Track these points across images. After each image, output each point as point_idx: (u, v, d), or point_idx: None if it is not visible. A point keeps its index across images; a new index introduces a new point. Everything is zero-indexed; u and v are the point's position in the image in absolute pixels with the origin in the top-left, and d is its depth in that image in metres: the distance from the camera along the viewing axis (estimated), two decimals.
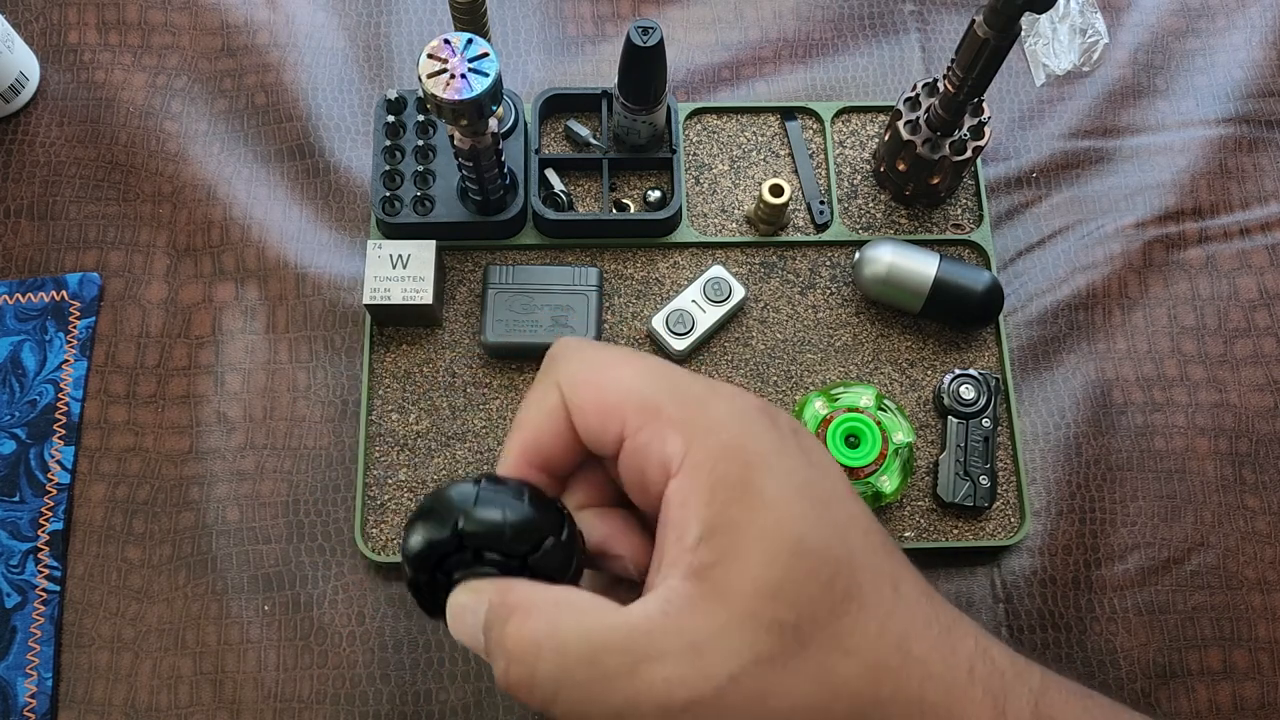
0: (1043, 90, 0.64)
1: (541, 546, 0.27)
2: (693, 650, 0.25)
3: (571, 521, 0.29)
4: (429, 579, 0.28)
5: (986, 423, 0.54)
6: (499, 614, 0.26)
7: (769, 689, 0.25)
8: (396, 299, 0.53)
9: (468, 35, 0.45)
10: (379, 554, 0.52)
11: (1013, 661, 0.28)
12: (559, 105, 0.60)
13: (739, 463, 0.26)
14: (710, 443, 0.27)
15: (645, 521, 0.31)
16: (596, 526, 0.30)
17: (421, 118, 0.57)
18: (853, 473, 0.51)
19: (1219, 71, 0.65)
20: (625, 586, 0.30)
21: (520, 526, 0.27)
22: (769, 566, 0.25)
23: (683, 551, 0.26)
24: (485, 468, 0.54)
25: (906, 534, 0.54)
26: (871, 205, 0.60)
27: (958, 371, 0.55)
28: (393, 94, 0.57)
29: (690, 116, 0.61)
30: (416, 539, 0.28)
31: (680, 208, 0.58)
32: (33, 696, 0.50)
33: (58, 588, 0.52)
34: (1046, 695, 0.28)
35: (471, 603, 0.27)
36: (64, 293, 0.56)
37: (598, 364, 0.29)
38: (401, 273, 0.54)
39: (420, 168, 0.57)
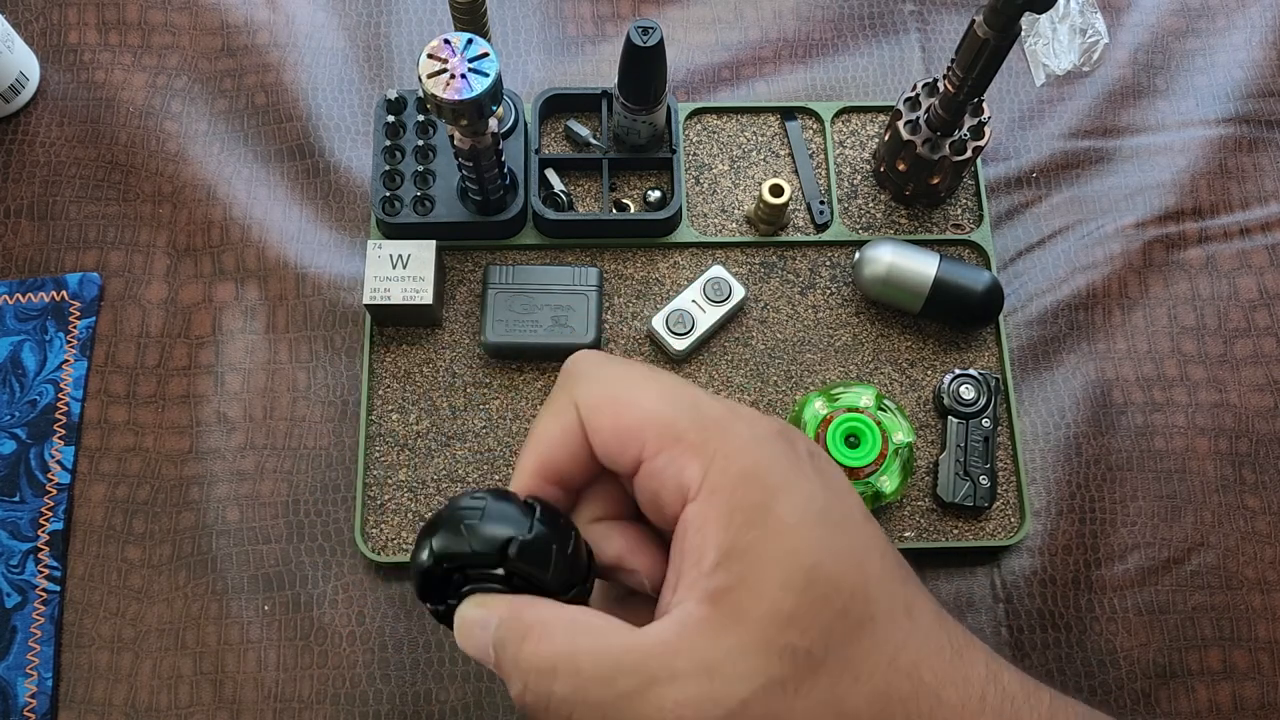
0: (1043, 90, 0.64)
1: (550, 564, 0.28)
2: (706, 673, 0.25)
3: (579, 539, 0.29)
4: (439, 591, 0.28)
5: (986, 423, 0.54)
6: (513, 631, 0.26)
7: (780, 713, 0.25)
8: (396, 299, 0.53)
9: (468, 35, 0.45)
10: (379, 554, 0.52)
11: (1022, 685, 0.28)
12: (559, 105, 0.60)
13: (757, 488, 0.26)
14: (728, 468, 0.27)
15: (661, 535, 0.31)
16: (612, 540, 0.30)
17: (421, 118, 0.57)
18: (853, 473, 0.51)
19: (1219, 71, 0.65)
20: (639, 600, 0.30)
21: (526, 544, 0.27)
22: (784, 592, 0.25)
23: (699, 576, 0.26)
24: (485, 468, 0.54)
25: (906, 534, 0.54)
26: (871, 205, 0.60)
27: (958, 371, 0.55)
28: (393, 94, 0.57)
29: (690, 116, 0.61)
30: (423, 553, 0.28)
31: (680, 208, 0.58)
32: (33, 696, 0.50)
33: (58, 588, 0.52)
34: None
35: (480, 617, 0.27)
36: (64, 293, 0.56)
37: (617, 385, 0.29)
38: (401, 273, 0.54)
39: (420, 168, 0.57)
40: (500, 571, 0.27)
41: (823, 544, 0.26)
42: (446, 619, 0.29)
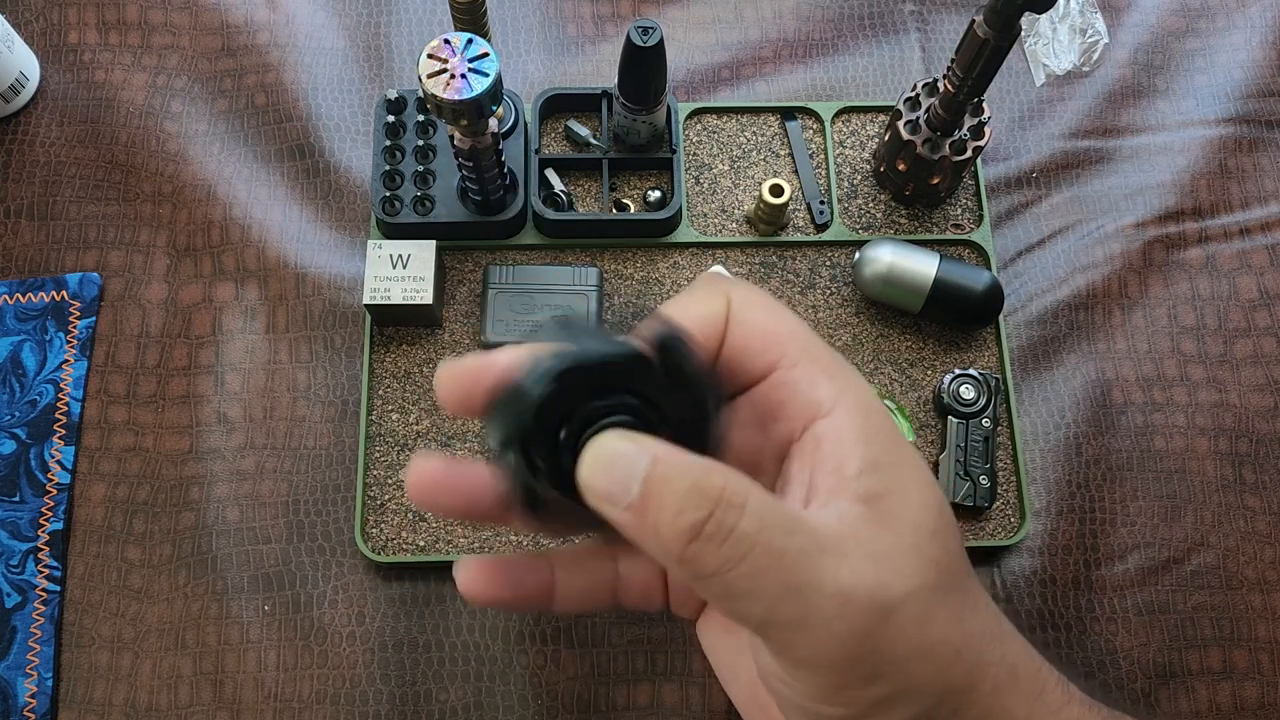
0: (1043, 90, 0.64)
1: (711, 403, 0.27)
2: (874, 558, 0.26)
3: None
4: (546, 434, 0.25)
5: (986, 423, 0.54)
6: (681, 467, 0.25)
7: (929, 616, 0.26)
8: (396, 299, 0.53)
9: (468, 35, 0.45)
10: (379, 554, 0.52)
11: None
12: (559, 105, 0.60)
13: (887, 420, 0.29)
14: (860, 398, 0.29)
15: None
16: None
17: (421, 117, 0.57)
18: None
19: (1219, 71, 0.65)
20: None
21: (708, 370, 0.26)
22: (926, 510, 0.27)
23: (845, 480, 0.27)
24: None
25: None
26: (871, 205, 0.60)
27: (958, 371, 0.55)
28: (393, 94, 0.57)
29: (690, 116, 0.61)
30: (590, 346, 0.25)
31: (680, 208, 0.58)
32: (33, 696, 0.50)
33: (58, 588, 0.52)
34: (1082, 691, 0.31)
35: (632, 450, 0.25)
36: (64, 293, 0.56)
37: (768, 297, 0.30)
38: (401, 273, 0.54)
39: (420, 168, 0.57)
40: (631, 401, 0.25)
41: (940, 492, 0.29)
42: (530, 472, 0.25)
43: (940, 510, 0.28)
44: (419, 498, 0.29)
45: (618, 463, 0.25)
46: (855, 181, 0.60)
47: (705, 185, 0.60)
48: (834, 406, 0.28)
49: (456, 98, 0.44)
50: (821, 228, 0.59)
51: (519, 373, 0.25)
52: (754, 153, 0.61)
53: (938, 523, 0.27)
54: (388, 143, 0.57)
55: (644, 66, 0.53)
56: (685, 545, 0.24)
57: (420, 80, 0.44)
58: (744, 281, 0.31)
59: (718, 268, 0.57)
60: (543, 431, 0.26)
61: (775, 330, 0.29)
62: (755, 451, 0.30)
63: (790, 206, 0.59)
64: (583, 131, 0.60)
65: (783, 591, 0.24)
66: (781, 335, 0.29)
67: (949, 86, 0.52)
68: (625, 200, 0.59)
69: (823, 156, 0.61)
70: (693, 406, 0.26)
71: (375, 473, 0.54)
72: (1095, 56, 0.64)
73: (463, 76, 0.44)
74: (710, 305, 0.29)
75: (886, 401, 0.53)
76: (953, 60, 0.51)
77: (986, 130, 0.55)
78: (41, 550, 0.52)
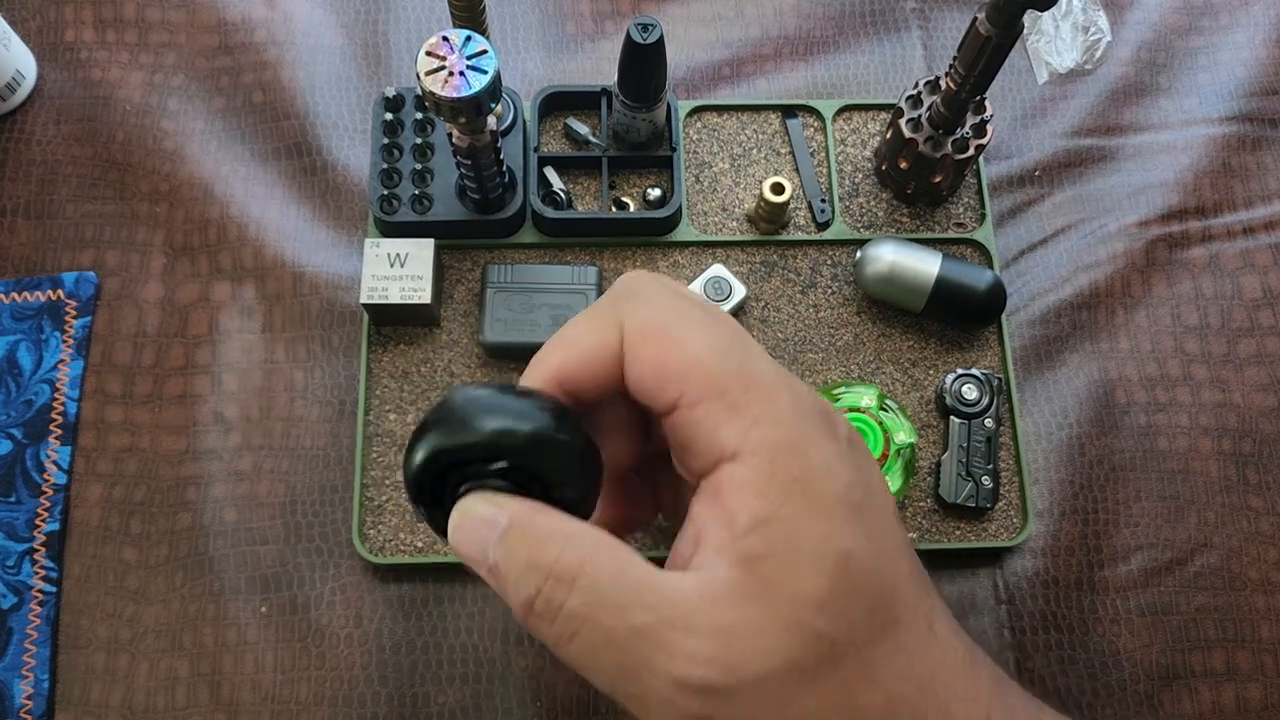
0: (1045, 88, 0.64)
1: (560, 465, 0.26)
2: (726, 636, 0.24)
3: (592, 447, 0.27)
4: (434, 492, 0.26)
5: (989, 423, 0.54)
6: (529, 533, 0.25)
7: (791, 699, 0.24)
8: (394, 298, 0.53)
9: (466, 32, 0.45)
10: (376, 555, 0.52)
11: (1025, 705, 0.27)
12: (558, 103, 0.60)
13: (797, 462, 0.25)
14: (770, 435, 0.25)
15: (654, 482, 0.31)
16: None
17: (420, 115, 0.57)
18: None
19: (1222, 69, 0.64)
20: None
21: (537, 439, 0.25)
22: (818, 574, 0.24)
23: (731, 538, 0.25)
24: None
25: (909, 535, 0.53)
26: (873, 204, 0.60)
27: (960, 371, 0.55)
28: (391, 92, 0.57)
29: (690, 114, 0.61)
30: (433, 439, 0.26)
31: (680, 206, 0.58)
32: (29, 698, 0.49)
33: (54, 589, 0.51)
34: None
35: (489, 515, 0.25)
36: (60, 292, 0.56)
37: (669, 317, 0.27)
38: (399, 272, 0.53)
39: (418, 166, 0.56)
40: (504, 465, 0.25)
41: (858, 534, 0.25)
42: (440, 524, 0.27)
43: (842, 570, 0.24)
44: None
45: (479, 530, 0.25)
46: (857, 180, 0.60)
47: (705, 184, 0.60)
48: (738, 449, 0.25)
49: (455, 95, 0.44)
50: (823, 226, 0.59)
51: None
52: (755, 151, 0.61)
53: (832, 588, 0.24)
54: (386, 141, 0.57)
55: (644, 64, 0.52)
56: (525, 617, 0.24)
57: (418, 78, 0.44)
58: (644, 299, 0.28)
59: (718, 267, 0.56)
60: (428, 493, 0.27)
61: (671, 365, 0.26)
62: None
63: (791, 205, 0.59)
64: (582, 129, 0.59)
65: (617, 671, 0.24)
66: (677, 370, 0.26)
67: (951, 84, 0.51)
68: (625, 199, 0.59)
69: (824, 155, 0.61)
70: (563, 463, 0.26)
71: (373, 473, 0.54)
72: (1098, 54, 0.64)
73: (461, 74, 0.44)
74: (600, 335, 0.27)
75: (888, 402, 0.53)
76: (955, 58, 0.50)
77: (989, 128, 0.55)
78: (38, 551, 0.52)
